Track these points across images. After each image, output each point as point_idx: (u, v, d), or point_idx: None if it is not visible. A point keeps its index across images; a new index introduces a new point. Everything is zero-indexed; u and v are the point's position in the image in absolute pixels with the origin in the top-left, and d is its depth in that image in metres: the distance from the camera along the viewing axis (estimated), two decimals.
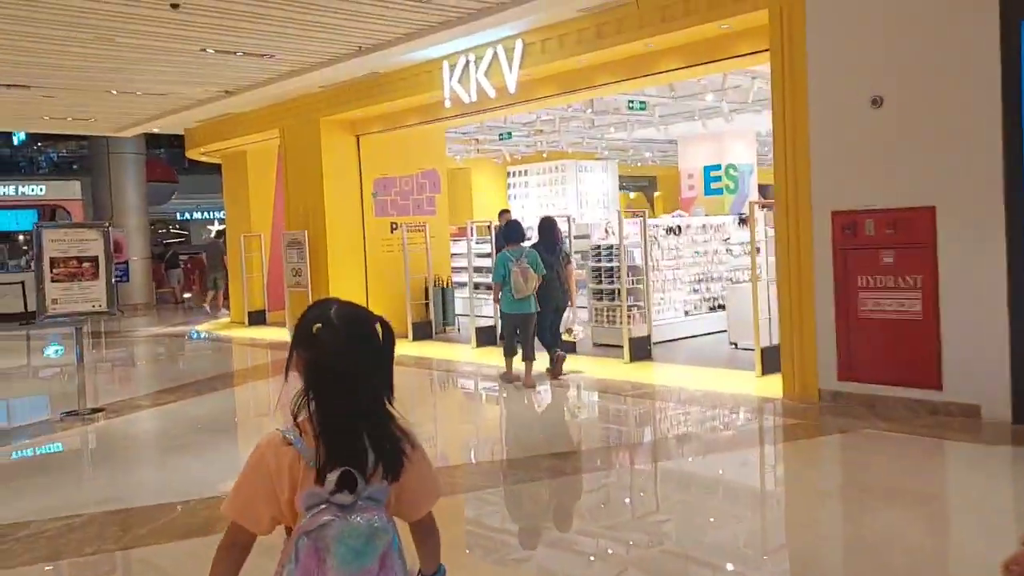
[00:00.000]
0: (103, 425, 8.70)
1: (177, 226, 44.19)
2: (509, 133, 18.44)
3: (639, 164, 28.83)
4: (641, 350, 11.25)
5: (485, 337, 12.82)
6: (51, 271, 8.61)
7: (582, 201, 22.96)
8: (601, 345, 12.52)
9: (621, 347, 11.54)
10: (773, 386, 8.98)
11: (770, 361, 9.74)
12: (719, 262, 14.07)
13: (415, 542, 2.21)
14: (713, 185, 21.43)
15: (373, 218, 14.60)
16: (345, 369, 1.97)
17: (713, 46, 9.43)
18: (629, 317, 11.73)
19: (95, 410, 9.07)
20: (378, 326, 2.03)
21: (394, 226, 14.75)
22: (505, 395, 10.05)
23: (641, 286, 12.02)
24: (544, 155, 22.31)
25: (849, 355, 8.12)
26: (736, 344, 11.85)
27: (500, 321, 11.01)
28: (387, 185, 14.74)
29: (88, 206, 24.15)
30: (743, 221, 14.66)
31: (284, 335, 15.28)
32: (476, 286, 13.61)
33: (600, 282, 12.67)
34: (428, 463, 2.15)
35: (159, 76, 11.77)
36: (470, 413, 9.93)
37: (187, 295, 27.12)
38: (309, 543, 1.90)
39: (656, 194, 35.09)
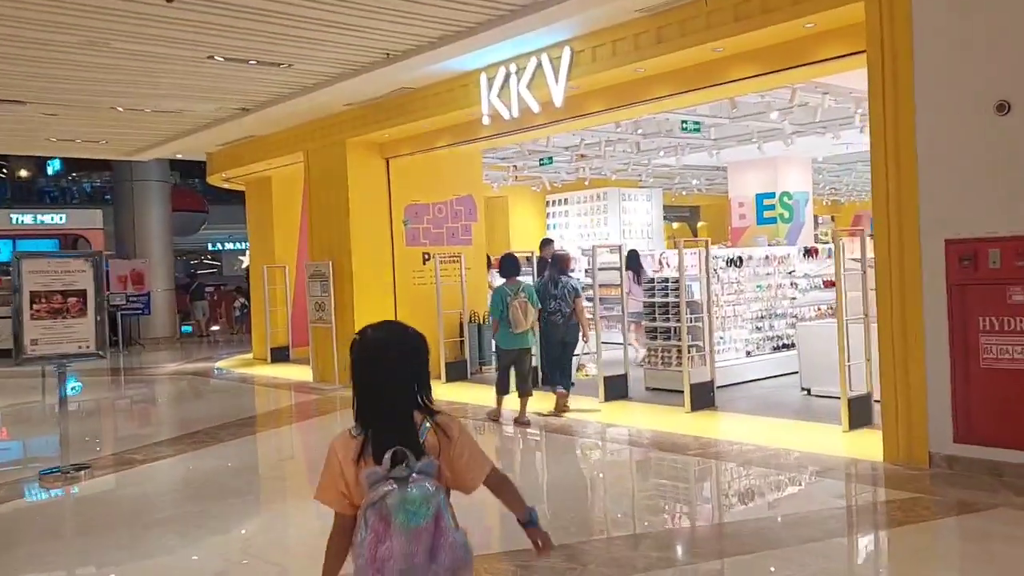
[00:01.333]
0: (83, 487, 7.53)
1: (209, 256, 43.57)
2: (550, 158, 17.26)
3: (683, 193, 27.54)
4: (703, 397, 9.92)
5: None
6: (31, 307, 7.46)
7: (624, 231, 21.76)
8: (655, 390, 11.22)
9: (677, 392, 10.32)
10: (867, 445, 7.64)
11: (859, 413, 8.41)
12: (783, 297, 12.72)
13: (497, 497, 2.68)
14: (766, 214, 20.14)
15: (404, 248, 13.43)
16: (369, 379, 2.55)
17: (794, 49, 8.16)
18: (689, 359, 10.48)
19: (79, 467, 7.89)
20: (408, 340, 2.64)
21: (426, 256, 13.57)
22: (551, 450, 8.78)
23: (700, 324, 10.72)
24: (586, 182, 21.10)
25: (968, 412, 6.74)
26: (809, 390, 10.49)
27: (496, 358, 10.27)
28: (419, 212, 13.58)
29: (110, 236, 23.30)
30: (808, 252, 13.32)
31: (308, 374, 14.11)
32: None
33: (654, 319, 11.36)
34: (472, 443, 2.61)
35: (166, 89, 10.71)
36: (511, 473, 8.61)
37: (215, 328, 26.20)
38: (374, 512, 2.39)
39: (700, 224, 33.72)
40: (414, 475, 2.41)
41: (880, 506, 6.47)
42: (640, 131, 13.35)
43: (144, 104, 11.56)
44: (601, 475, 8.07)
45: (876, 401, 8.68)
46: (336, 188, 13.23)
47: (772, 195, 19.88)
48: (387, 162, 13.36)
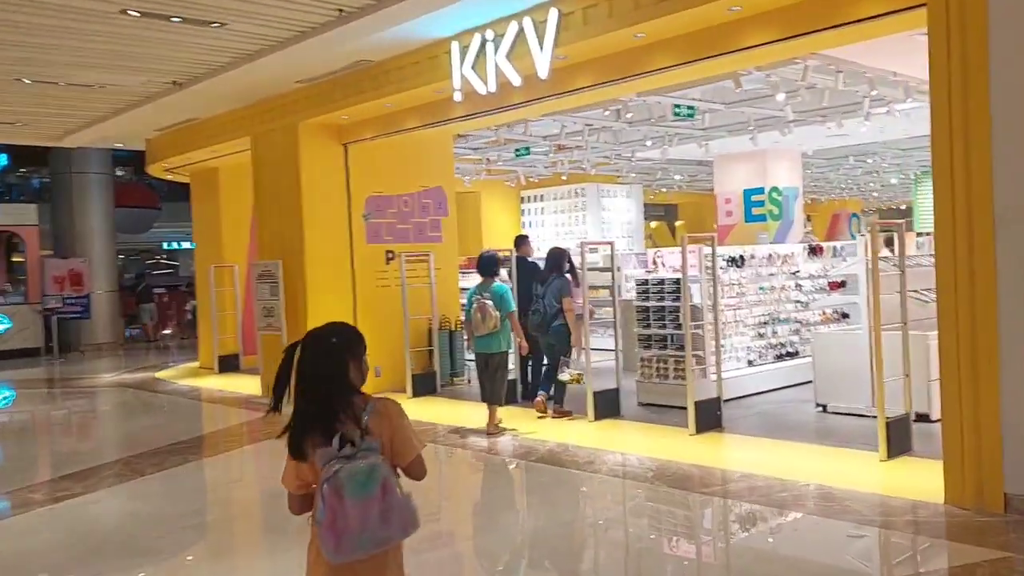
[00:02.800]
0: None
1: (164, 256, 41.68)
2: (527, 148, 15.87)
3: (663, 190, 26.34)
4: (708, 416, 8.59)
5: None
6: None
7: (604, 229, 20.48)
8: (649, 406, 9.89)
9: (674, 409, 9.10)
10: (915, 480, 6.44)
11: (897, 439, 7.11)
12: (786, 300, 11.45)
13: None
14: (755, 211, 18.94)
15: (364, 245, 11.96)
16: (311, 369, 2.85)
17: (826, 6, 6.84)
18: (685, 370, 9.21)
19: None
20: (334, 339, 2.90)
21: (390, 255, 12.11)
22: (535, 487, 7.39)
23: (701, 331, 9.41)
24: (564, 177, 19.75)
25: None
26: (825, 407, 9.21)
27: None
28: (382, 205, 12.12)
29: (47, 233, 21.53)
30: (813, 251, 12.06)
31: (258, 386, 12.57)
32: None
33: (648, 326, 10.01)
34: (405, 424, 2.89)
35: (76, 55, 9.09)
36: (487, 520, 7.19)
37: (166, 332, 24.51)
38: (329, 486, 2.66)
39: (678, 223, 32.53)
40: (360, 452, 2.71)
41: (958, 573, 5.12)
42: (629, 115, 11.96)
43: (54, 75, 9.88)
44: (599, 523, 6.67)
45: (915, 421, 7.47)
46: (287, 177, 11.71)
47: (761, 190, 18.69)
48: (345, 148, 11.86)
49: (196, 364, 16.58)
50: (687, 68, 8.14)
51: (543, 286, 9.76)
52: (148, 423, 11.58)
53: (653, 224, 30.95)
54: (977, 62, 5.59)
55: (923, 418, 7.89)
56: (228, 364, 15.28)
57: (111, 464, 8.33)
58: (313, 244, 11.56)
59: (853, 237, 28.90)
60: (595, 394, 9.29)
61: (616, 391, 9.59)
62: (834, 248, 12.36)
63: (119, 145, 17.46)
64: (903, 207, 38.56)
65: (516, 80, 8.54)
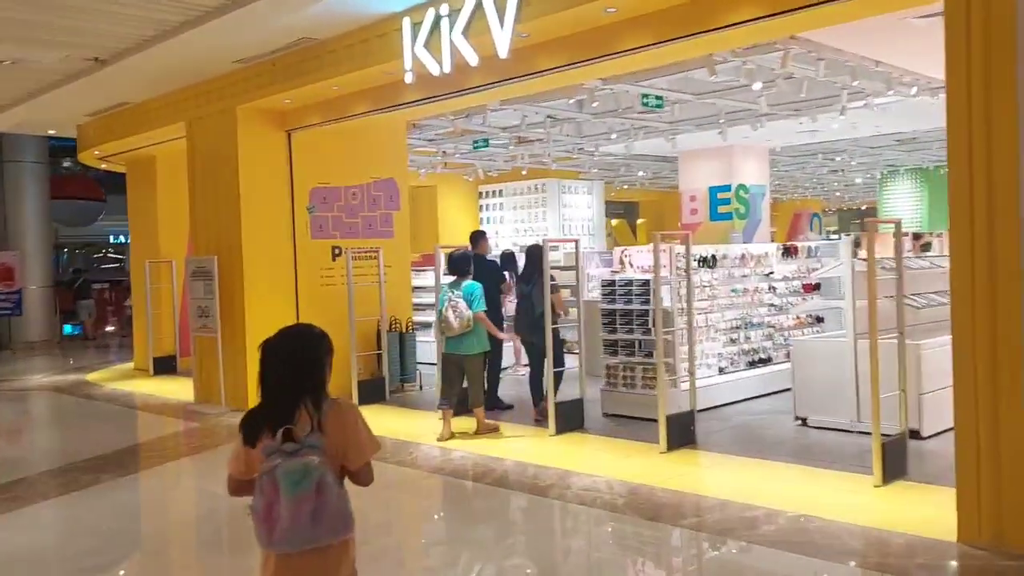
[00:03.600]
0: None
1: (111, 250, 40.20)
2: (486, 140, 15.04)
3: (626, 187, 25.69)
4: (681, 432, 7.84)
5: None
6: None
7: (564, 226, 19.73)
8: (615, 416, 9.15)
9: (642, 421, 8.45)
10: (916, 510, 5.81)
11: (894, 461, 6.43)
12: (760, 303, 10.77)
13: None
14: (720, 208, 18.35)
15: (309, 241, 11.05)
16: (271, 367, 2.86)
17: None
18: (654, 380, 8.52)
19: None
20: (310, 339, 2.94)
21: (337, 251, 11.22)
22: (495, 516, 6.58)
23: (670, 337, 8.69)
24: (524, 171, 18.96)
25: None
26: (805, 420, 8.52)
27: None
28: (328, 197, 11.21)
29: None
30: (788, 251, 11.40)
31: (191, 391, 11.60)
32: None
33: (614, 330, 9.25)
34: (358, 426, 2.91)
35: None
36: (424, 560, 6.35)
37: (109, 328, 23.31)
38: (268, 479, 2.70)
39: (639, 221, 31.93)
40: (302, 449, 2.72)
41: None
42: (595, 104, 11.18)
43: None
44: (562, 565, 5.87)
45: (910, 438, 6.79)
46: (224, 166, 10.75)
47: (727, 187, 18.10)
48: (288, 135, 10.94)
49: (131, 365, 15.52)
50: (660, 49, 7.35)
51: (527, 285, 9.31)
52: (62, 435, 10.59)
53: (614, 222, 30.30)
54: (1001, 40, 4.88)
55: (914, 435, 7.25)
56: (164, 366, 14.28)
57: (6, 486, 7.34)
58: (252, 239, 10.62)
59: (827, 237, 28.59)
60: (557, 404, 8.52)
61: (580, 401, 8.82)
62: (809, 248, 11.71)
63: (52, 132, 16.30)
64: (864, 207, 38.39)
65: (473, 59, 7.70)
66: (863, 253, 8.23)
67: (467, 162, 18.27)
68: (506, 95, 9.84)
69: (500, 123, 13.94)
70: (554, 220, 19.74)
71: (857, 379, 7.77)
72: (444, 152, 16.58)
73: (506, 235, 20.02)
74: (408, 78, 8.33)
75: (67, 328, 22.58)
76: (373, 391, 10.57)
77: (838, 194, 31.84)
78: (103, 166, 15.87)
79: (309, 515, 2.68)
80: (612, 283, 9.37)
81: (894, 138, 17.44)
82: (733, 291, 10.36)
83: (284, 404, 2.80)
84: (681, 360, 8.86)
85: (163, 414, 10.91)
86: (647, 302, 8.97)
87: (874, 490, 6.25)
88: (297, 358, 2.85)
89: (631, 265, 9.75)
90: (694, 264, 9.66)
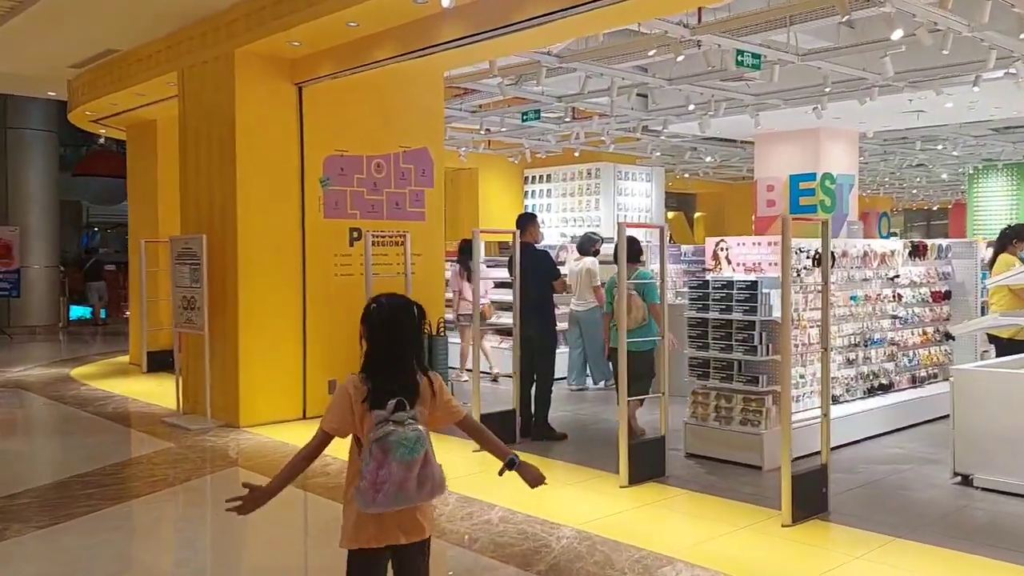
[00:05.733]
0: None
1: None
2: (537, 112, 12.90)
3: (687, 176, 23.46)
4: (808, 494, 5.64)
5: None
6: None
7: (619, 217, 17.55)
8: (700, 458, 7.02)
9: (739, 467, 6.56)
10: None
11: None
12: (882, 314, 8.58)
13: (477, 443, 3.21)
14: (802, 200, 16.02)
15: (321, 220, 9.01)
16: (384, 338, 3.01)
17: None
18: (765, 413, 6.46)
19: None
20: (415, 309, 3.07)
21: (356, 234, 9.17)
22: None
23: (779, 356, 6.54)
24: (576, 153, 16.80)
25: None
26: (969, 479, 6.30)
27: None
28: (346, 168, 9.15)
29: None
30: (916, 250, 9.17)
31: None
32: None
33: (705, 345, 7.11)
34: (449, 397, 3.13)
35: None
36: None
37: (127, 314, 21.57)
38: (379, 446, 2.86)
39: (697, 215, 29.59)
40: (409, 420, 2.89)
41: None
42: (680, 59, 8.94)
43: None
44: None
45: None
46: (219, 126, 8.73)
47: (812, 176, 15.80)
48: (299, 90, 8.88)
49: (126, 359, 13.65)
50: None
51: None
52: (29, 450, 8.63)
53: (670, 215, 28.03)
54: None
55: None
56: (159, 362, 12.30)
57: None
58: (250, 215, 8.59)
59: (884, 236, 26.16)
60: (632, 446, 6.38)
61: (662, 441, 6.67)
62: (939, 248, 9.47)
63: (52, 94, 14.50)
64: (935, 207, 35.70)
65: None
66: None
67: (513, 140, 16.20)
68: (570, 34, 7.66)
69: (556, 90, 11.82)
70: (608, 209, 17.60)
71: None
72: (487, 129, 14.51)
73: (552, 224, 17.91)
74: (446, 2, 6.21)
75: (75, 312, 20.89)
76: None
77: (915, 191, 29.18)
78: (102, 131, 13.98)
79: (416, 480, 2.88)
80: (704, 284, 7.20)
81: (1008, 122, 15.05)
82: (853, 299, 8.16)
83: (398, 374, 2.97)
84: (793, 386, 6.69)
85: (135, 427, 8.95)
86: (751, 310, 6.82)
87: None
88: (407, 329, 3.02)
89: (728, 262, 7.57)
90: (807, 263, 7.51)
